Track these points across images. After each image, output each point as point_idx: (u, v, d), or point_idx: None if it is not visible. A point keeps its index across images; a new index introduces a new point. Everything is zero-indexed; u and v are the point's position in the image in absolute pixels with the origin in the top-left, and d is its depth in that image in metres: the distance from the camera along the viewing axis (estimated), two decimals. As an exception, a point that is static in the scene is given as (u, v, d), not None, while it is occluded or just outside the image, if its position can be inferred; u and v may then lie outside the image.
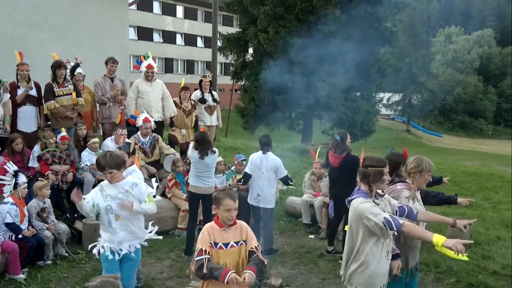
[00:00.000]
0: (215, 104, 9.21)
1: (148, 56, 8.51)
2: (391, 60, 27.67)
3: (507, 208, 9.39)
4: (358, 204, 3.47)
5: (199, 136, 6.36)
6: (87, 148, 7.37)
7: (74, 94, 7.62)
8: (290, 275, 5.86)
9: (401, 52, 42.14)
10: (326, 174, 8.07)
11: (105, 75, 8.36)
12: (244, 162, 8.23)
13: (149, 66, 8.47)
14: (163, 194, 7.69)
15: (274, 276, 5.57)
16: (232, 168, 8.24)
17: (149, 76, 8.47)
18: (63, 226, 6.29)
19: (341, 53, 17.69)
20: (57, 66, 7.52)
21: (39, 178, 6.36)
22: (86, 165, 7.26)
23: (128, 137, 8.00)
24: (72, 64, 8.28)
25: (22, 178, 5.83)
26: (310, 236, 7.47)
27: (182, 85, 8.99)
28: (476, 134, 50.13)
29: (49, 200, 6.17)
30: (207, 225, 3.48)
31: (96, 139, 7.51)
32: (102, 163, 4.04)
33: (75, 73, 8.13)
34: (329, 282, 5.72)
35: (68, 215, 6.89)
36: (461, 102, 51.19)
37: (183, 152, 8.83)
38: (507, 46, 57.85)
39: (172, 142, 8.75)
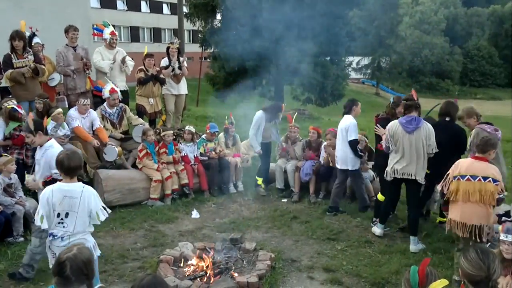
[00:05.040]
0: (181, 72, 8.95)
1: (108, 24, 8.28)
2: (360, 24, 27.64)
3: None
4: None
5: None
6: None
7: (33, 64, 7.31)
8: (264, 239, 5.94)
9: (369, 15, 42.10)
10: (301, 138, 8.11)
11: (67, 45, 8.03)
12: (216, 133, 8.17)
13: (113, 33, 8.27)
14: (134, 165, 7.61)
15: (248, 240, 5.64)
16: (203, 136, 8.18)
17: (114, 43, 8.30)
18: (31, 201, 6.15)
19: (310, 17, 17.53)
20: (11, 37, 7.18)
21: (3, 154, 6.16)
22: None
23: (95, 108, 7.81)
24: (28, 34, 7.90)
25: None
26: (283, 200, 7.56)
27: (145, 53, 8.69)
28: (443, 94, 51.01)
29: (15, 175, 6.01)
30: None
31: (60, 109, 7.25)
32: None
33: (33, 44, 7.76)
34: (302, 243, 5.83)
35: (36, 190, 6.72)
36: (428, 63, 51.92)
37: (152, 122, 8.70)
38: (472, 7, 58.54)
39: (140, 112, 8.56)
